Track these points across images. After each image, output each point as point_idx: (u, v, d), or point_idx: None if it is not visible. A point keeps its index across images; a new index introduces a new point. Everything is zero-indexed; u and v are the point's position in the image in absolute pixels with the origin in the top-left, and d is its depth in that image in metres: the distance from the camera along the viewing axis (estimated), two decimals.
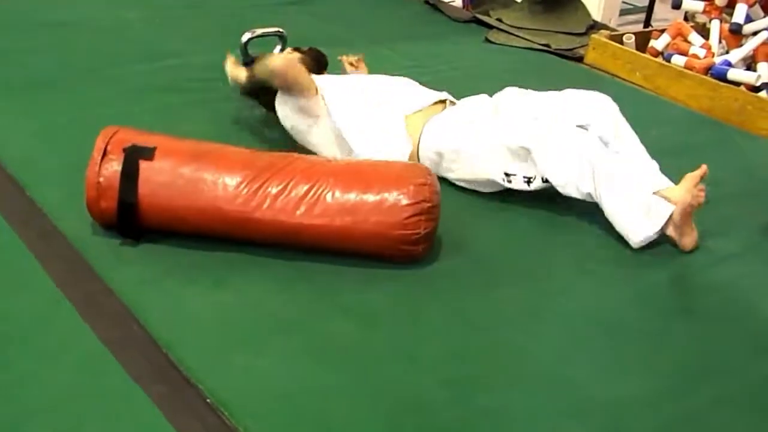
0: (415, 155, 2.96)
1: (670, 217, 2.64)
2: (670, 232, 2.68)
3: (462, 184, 2.93)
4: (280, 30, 3.38)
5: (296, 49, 3.32)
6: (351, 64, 3.50)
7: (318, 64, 3.28)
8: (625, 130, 2.84)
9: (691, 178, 2.64)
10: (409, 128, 2.98)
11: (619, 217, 2.70)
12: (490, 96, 3.07)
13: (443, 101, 3.13)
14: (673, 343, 2.28)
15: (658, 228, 2.65)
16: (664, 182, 2.72)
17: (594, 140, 2.74)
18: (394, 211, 2.38)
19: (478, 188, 2.93)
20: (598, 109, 2.84)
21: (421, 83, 3.26)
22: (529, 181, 2.83)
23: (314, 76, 3.06)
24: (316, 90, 3.00)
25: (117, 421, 1.86)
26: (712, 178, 2.71)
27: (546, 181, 2.79)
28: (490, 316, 2.33)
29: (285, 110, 3.07)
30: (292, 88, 3.00)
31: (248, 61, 3.25)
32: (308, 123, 3.04)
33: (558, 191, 2.77)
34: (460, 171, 2.91)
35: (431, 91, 3.18)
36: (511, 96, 2.97)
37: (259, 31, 3.33)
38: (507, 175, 2.83)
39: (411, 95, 3.12)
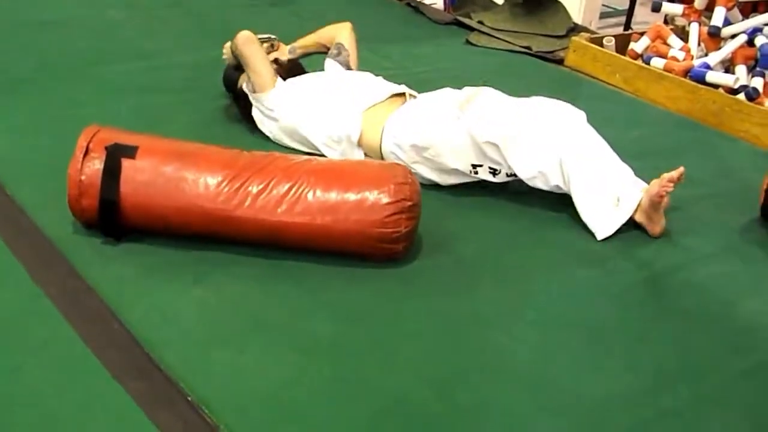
0: (378, 149, 2.98)
1: (639, 204, 2.73)
2: (640, 218, 2.76)
3: (427, 175, 2.93)
4: (274, 36, 3.41)
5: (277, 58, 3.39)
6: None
7: (289, 72, 3.34)
8: (594, 138, 2.86)
9: (666, 175, 2.69)
10: (371, 123, 3.01)
11: (588, 209, 2.76)
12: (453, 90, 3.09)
13: (402, 94, 3.15)
14: (651, 342, 2.30)
15: (627, 216, 2.74)
16: (634, 179, 2.79)
17: (561, 135, 2.77)
18: (375, 209, 2.39)
19: (441, 179, 2.95)
20: (565, 115, 2.87)
21: (401, 84, 3.27)
22: (494, 173, 2.87)
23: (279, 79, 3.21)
24: (273, 84, 3.15)
25: (97, 418, 1.87)
26: (691, 178, 2.74)
27: (511, 174, 2.85)
28: (471, 315, 2.35)
29: (258, 115, 3.21)
30: (248, 66, 3.19)
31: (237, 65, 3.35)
32: (276, 124, 3.16)
33: (527, 184, 2.83)
34: (425, 163, 2.92)
35: (389, 84, 3.22)
36: (481, 93, 2.98)
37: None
38: (474, 166, 2.87)
39: (368, 89, 3.14)
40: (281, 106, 3.14)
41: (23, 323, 2.14)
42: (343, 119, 3.03)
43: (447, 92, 3.06)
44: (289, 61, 3.42)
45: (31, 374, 1.98)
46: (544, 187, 2.82)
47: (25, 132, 3.12)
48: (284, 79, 3.24)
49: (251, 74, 3.19)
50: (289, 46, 3.49)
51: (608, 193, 2.75)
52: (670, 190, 2.71)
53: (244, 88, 3.25)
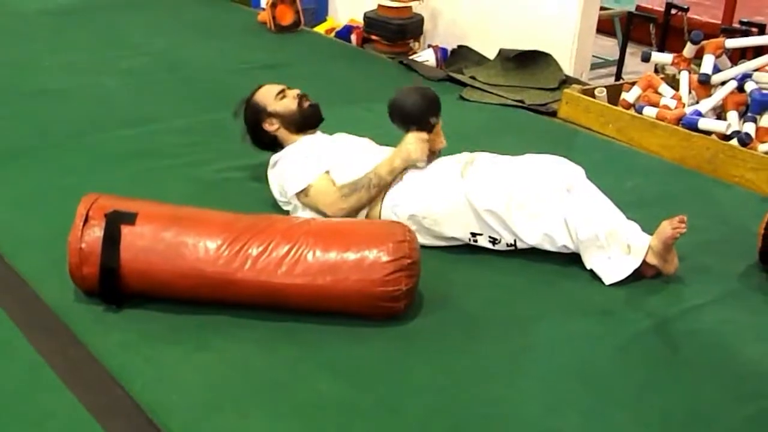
0: (378, 217, 2.96)
1: (650, 248, 2.74)
2: (652, 260, 2.76)
3: (426, 242, 2.87)
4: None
5: (303, 96, 3.26)
6: None
7: (304, 118, 3.22)
8: (596, 193, 2.88)
9: (677, 217, 2.73)
10: None
11: (600, 258, 2.77)
12: (453, 156, 3.07)
13: None
14: (657, 392, 2.29)
15: (641, 259, 2.75)
16: (638, 230, 2.81)
17: (562, 192, 2.78)
18: (375, 268, 2.40)
19: (440, 244, 2.93)
20: (564, 173, 2.89)
21: (397, 143, 3.28)
22: (494, 242, 2.88)
23: None
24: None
25: None
26: (689, 226, 2.74)
27: (512, 245, 2.86)
28: (474, 371, 2.34)
29: (271, 175, 3.15)
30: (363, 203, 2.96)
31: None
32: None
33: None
34: (423, 231, 2.88)
35: (389, 150, 3.10)
36: (479, 160, 2.98)
37: None
38: (473, 234, 2.88)
39: (368, 157, 3.05)
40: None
41: (26, 394, 2.14)
42: None
43: (447, 160, 3.04)
44: (311, 106, 3.24)
45: None
46: (552, 249, 2.83)
47: (24, 201, 3.14)
48: (297, 130, 3.17)
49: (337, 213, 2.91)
50: None
51: (619, 240, 2.76)
52: (683, 231, 2.71)
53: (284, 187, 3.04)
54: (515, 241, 2.84)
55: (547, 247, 2.82)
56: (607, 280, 2.76)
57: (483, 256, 2.91)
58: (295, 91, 3.26)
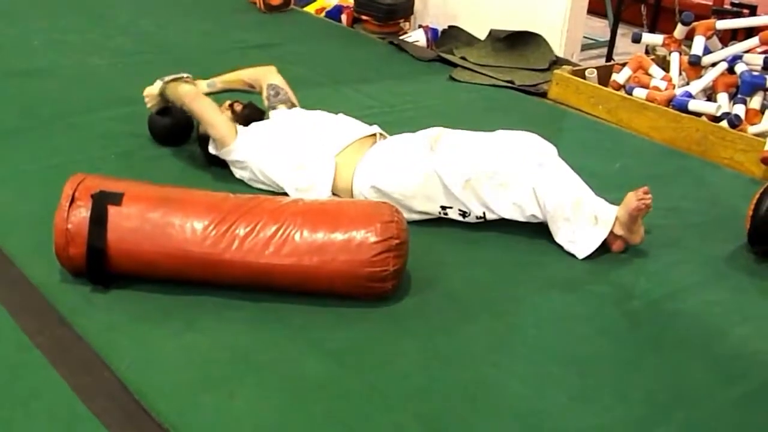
0: (349, 192, 2.98)
1: (617, 218, 2.78)
2: (619, 231, 2.80)
3: None
4: (186, 75, 3.35)
5: (233, 104, 3.34)
6: None
7: (246, 119, 3.27)
8: (565, 167, 2.89)
9: (641, 189, 2.77)
10: (342, 166, 3.00)
11: (567, 231, 2.81)
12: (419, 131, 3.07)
13: (373, 135, 3.14)
14: (643, 373, 2.30)
15: (607, 231, 2.79)
16: (605, 203, 2.84)
17: (533, 165, 2.80)
18: (362, 249, 2.40)
19: (412, 217, 2.92)
20: (535, 147, 2.90)
21: (386, 123, 3.29)
22: (464, 215, 2.91)
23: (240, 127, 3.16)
24: (235, 134, 3.10)
25: None
26: (677, 207, 2.75)
27: (481, 217, 2.88)
28: (461, 351, 2.34)
29: (231, 167, 3.19)
30: (203, 121, 3.14)
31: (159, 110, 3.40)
32: (247, 173, 3.13)
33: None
34: (396, 206, 2.84)
35: (359, 125, 3.20)
36: (448, 135, 2.99)
37: (167, 78, 3.31)
38: (443, 208, 2.90)
39: (338, 132, 3.11)
40: (249, 157, 3.09)
41: (12, 374, 2.13)
42: (314, 168, 3.00)
43: (416, 135, 3.04)
44: (244, 107, 3.34)
45: (21, 426, 1.96)
46: (521, 218, 2.85)
47: (10, 181, 3.12)
48: (244, 124, 3.21)
49: (209, 129, 3.13)
50: (207, 81, 3.49)
51: (585, 212, 2.78)
52: (648, 202, 2.75)
53: (210, 149, 3.20)
54: (484, 213, 2.87)
55: (517, 216, 2.85)
56: (579, 254, 2.79)
57: (469, 233, 2.92)
58: (225, 103, 3.32)
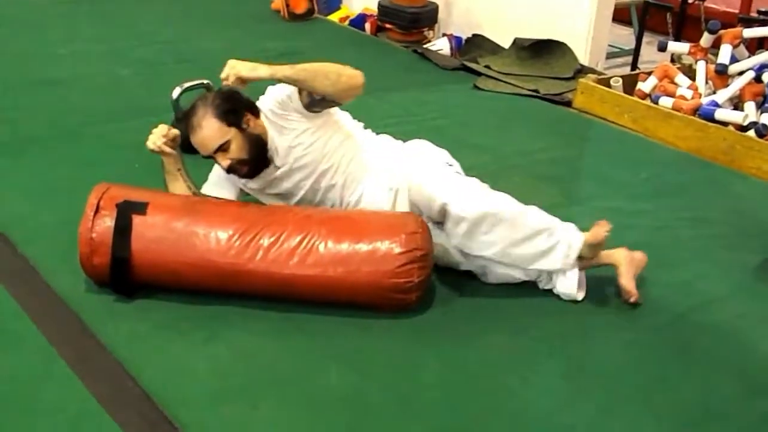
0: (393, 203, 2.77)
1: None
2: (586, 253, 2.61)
3: None
4: (207, 82, 3.32)
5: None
6: None
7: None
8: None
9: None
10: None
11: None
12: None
13: None
14: (671, 387, 2.27)
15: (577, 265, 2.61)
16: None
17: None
18: (387, 259, 2.39)
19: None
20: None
21: (410, 132, 3.26)
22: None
23: None
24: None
25: None
26: (704, 218, 2.72)
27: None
28: (486, 364, 2.32)
29: (300, 120, 2.83)
30: (343, 74, 2.79)
31: (179, 116, 3.25)
32: (308, 136, 2.76)
33: None
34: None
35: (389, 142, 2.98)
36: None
37: (187, 85, 3.29)
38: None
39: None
40: (347, 124, 2.88)
41: (37, 384, 2.13)
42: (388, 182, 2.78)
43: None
44: None
45: None
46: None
47: (36, 192, 3.14)
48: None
49: (355, 79, 2.75)
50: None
51: (559, 252, 2.58)
52: (606, 233, 2.57)
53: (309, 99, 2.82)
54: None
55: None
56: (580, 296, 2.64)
57: None
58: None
